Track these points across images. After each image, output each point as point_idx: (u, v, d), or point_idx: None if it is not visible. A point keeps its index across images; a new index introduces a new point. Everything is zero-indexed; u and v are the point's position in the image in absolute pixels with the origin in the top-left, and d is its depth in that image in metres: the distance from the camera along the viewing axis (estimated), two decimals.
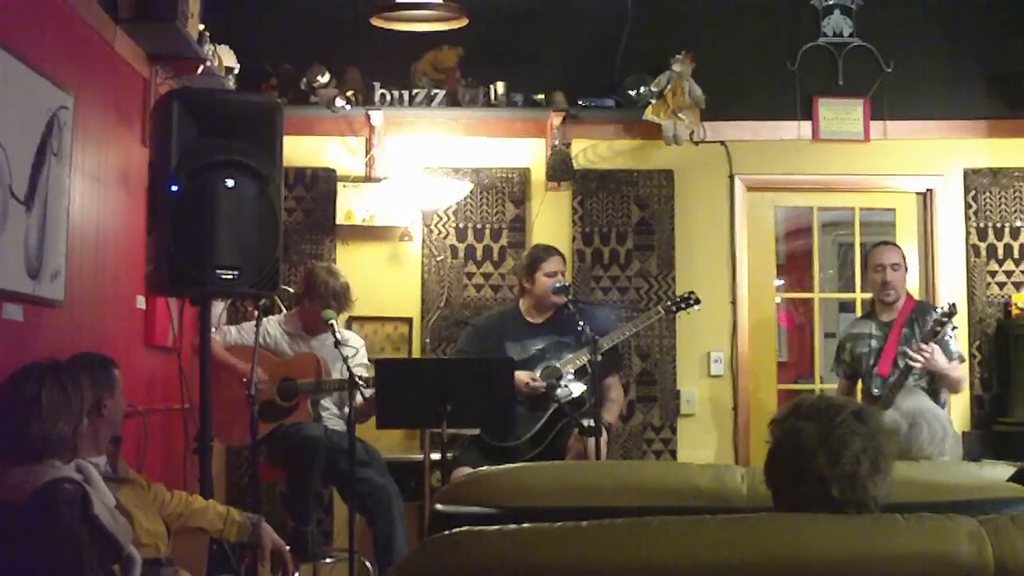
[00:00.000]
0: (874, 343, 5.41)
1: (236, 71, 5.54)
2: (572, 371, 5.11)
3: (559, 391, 5.07)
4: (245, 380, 4.62)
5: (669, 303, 5.45)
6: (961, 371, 5.40)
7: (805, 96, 6.30)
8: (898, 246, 5.64)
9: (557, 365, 5.13)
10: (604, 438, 4.86)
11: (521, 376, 5.02)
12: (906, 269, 5.54)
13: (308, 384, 5.12)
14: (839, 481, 2.09)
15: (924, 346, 5.09)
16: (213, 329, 4.55)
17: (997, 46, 6.30)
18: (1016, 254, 6.22)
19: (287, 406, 5.11)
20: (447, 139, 6.17)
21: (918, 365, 5.07)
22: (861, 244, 6.53)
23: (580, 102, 6.07)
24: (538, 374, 5.13)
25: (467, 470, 4.63)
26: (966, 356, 5.78)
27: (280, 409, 5.09)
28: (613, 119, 6.20)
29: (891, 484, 2.13)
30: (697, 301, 5.40)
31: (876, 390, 5.27)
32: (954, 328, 5.31)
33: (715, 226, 6.26)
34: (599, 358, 4.89)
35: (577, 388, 5.10)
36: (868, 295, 5.81)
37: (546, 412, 5.08)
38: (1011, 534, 1.92)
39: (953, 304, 5.20)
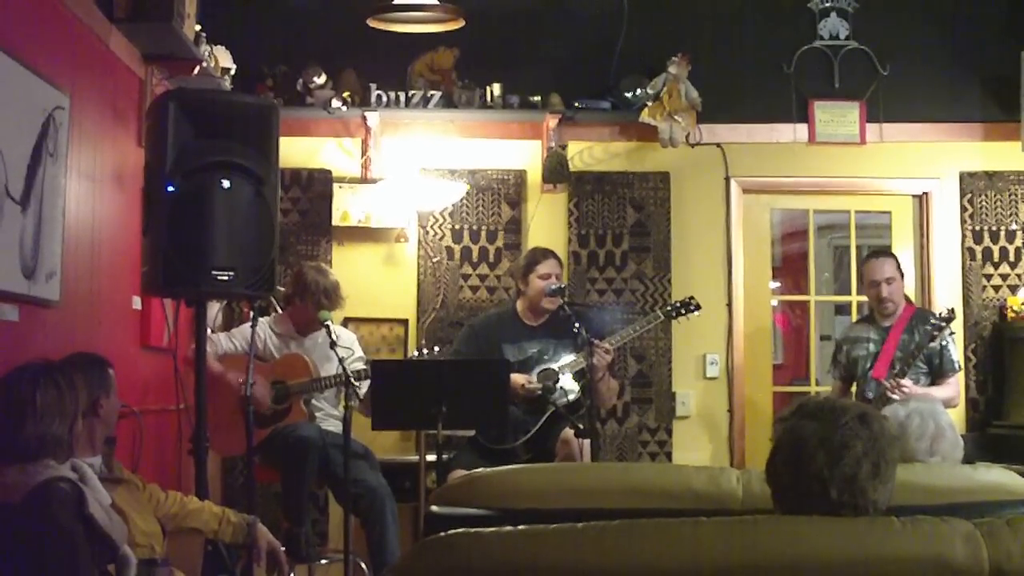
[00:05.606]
0: (872, 347, 5.40)
1: (232, 72, 5.53)
2: (570, 374, 5.08)
3: (555, 394, 5.03)
4: (240, 382, 4.60)
5: (669, 308, 5.32)
6: (954, 388, 5.35)
7: (801, 99, 6.30)
8: (892, 255, 5.54)
9: (554, 368, 5.11)
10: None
11: (517, 379, 4.99)
12: (902, 276, 5.48)
13: (299, 384, 5.10)
14: (838, 483, 2.08)
15: (903, 381, 5.08)
16: (208, 331, 4.54)
17: (993, 49, 6.31)
18: (1011, 257, 6.24)
19: (280, 409, 5.09)
20: (443, 141, 6.17)
21: (896, 398, 5.03)
22: (857, 247, 6.54)
23: (576, 104, 6.08)
24: (535, 377, 5.10)
25: (463, 472, 4.62)
26: (963, 363, 5.75)
27: (274, 413, 5.07)
28: (609, 121, 6.20)
29: (891, 490, 2.13)
30: (697, 307, 5.28)
31: (870, 393, 5.26)
32: (951, 334, 5.29)
33: (711, 228, 6.26)
34: (593, 359, 4.88)
35: (573, 391, 5.06)
36: (866, 299, 5.79)
37: (543, 415, 5.04)
38: (1006, 537, 1.92)
39: (951, 310, 5.19)
